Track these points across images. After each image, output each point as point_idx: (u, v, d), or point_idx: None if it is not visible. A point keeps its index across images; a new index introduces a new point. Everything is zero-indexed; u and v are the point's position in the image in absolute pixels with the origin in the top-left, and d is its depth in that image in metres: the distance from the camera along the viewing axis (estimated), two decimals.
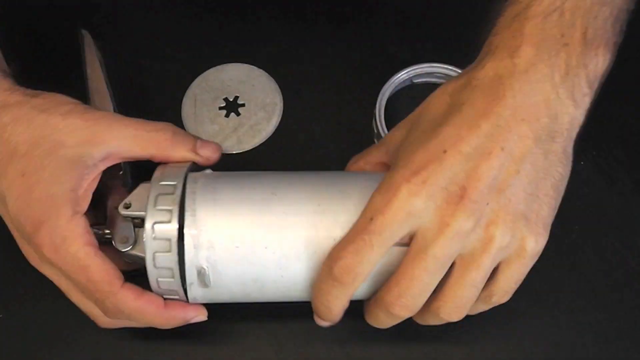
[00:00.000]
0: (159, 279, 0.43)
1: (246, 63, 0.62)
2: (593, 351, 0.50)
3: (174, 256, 0.42)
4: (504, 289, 0.42)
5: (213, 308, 0.52)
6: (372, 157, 0.47)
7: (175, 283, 0.43)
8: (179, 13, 0.65)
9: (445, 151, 0.38)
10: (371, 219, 0.38)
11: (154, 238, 0.42)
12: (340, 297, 0.41)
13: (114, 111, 0.52)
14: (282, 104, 0.60)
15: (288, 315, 0.52)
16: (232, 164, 0.58)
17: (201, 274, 0.42)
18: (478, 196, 0.38)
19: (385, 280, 0.41)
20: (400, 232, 0.39)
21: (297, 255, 0.42)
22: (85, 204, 0.43)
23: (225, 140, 0.59)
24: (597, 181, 0.56)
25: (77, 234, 0.42)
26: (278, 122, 0.59)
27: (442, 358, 0.50)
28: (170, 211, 0.42)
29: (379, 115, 0.56)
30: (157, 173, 0.45)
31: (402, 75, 0.59)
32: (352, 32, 0.63)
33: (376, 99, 0.57)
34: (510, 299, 0.52)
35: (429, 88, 0.60)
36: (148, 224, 0.42)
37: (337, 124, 0.59)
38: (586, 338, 0.51)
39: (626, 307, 0.52)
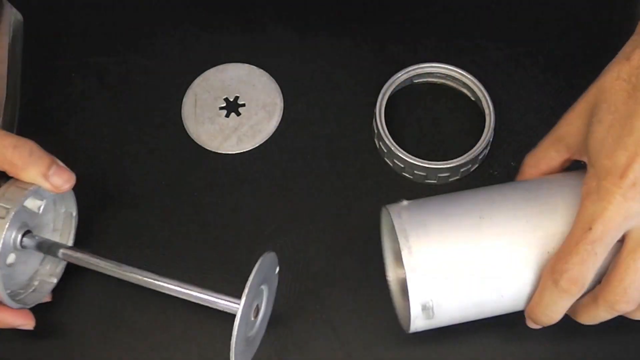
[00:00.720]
0: None
1: (247, 63, 0.62)
2: (593, 351, 0.50)
3: None
4: None
5: (210, 310, 0.52)
6: (553, 158, 0.46)
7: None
8: (179, 13, 0.65)
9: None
10: (590, 228, 0.39)
11: None
12: (565, 306, 0.42)
13: (5, 96, 0.52)
14: (282, 104, 0.60)
15: (288, 315, 0.52)
16: (232, 164, 0.58)
17: (426, 309, 0.43)
18: None
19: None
20: (618, 235, 0.40)
21: (515, 275, 0.43)
22: None
23: (225, 140, 0.59)
24: None
25: None
26: (278, 122, 0.59)
27: (442, 358, 0.50)
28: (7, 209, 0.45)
29: (379, 115, 0.56)
30: (1, 190, 0.46)
31: (402, 75, 0.59)
32: (353, 32, 0.63)
33: (376, 99, 0.57)
34: None
35: (429, 88, 0.60)
36: None
37: (337, 124, 0.59)
38: (586, 338, 0.51)
39: None
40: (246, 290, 0.44)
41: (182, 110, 0.60)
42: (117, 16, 0.66)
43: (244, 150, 0.59)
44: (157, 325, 0.52)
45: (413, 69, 0.59)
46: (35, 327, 0.52)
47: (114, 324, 0.52)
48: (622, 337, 0.51)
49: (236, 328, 0.43)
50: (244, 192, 0.57)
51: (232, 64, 0.62)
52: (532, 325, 0.46)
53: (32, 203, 0.49)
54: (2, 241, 0.45)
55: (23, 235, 0.48)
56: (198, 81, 0.61)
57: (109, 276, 0.53)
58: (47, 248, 0.49)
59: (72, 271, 0.54)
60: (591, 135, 0.41)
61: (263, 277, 0.46)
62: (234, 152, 0.59)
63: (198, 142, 0.59)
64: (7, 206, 0.45)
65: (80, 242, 0.53)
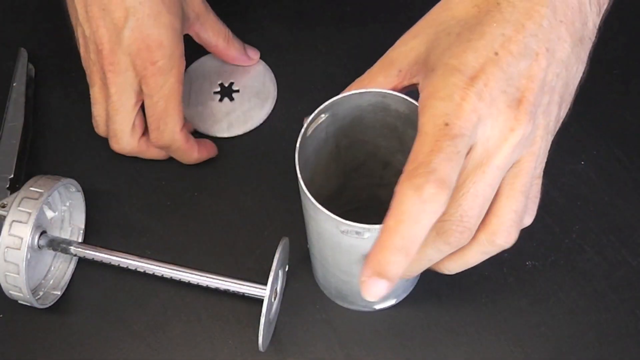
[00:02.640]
0: (7, 274, 0.48)
1: None
2: (593, 351, 0.50)
3: (22, 253, 0.47)
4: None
5: (212, 307, 0.52)
6: (381, 83, 0.41)
7: (20, 279, 0.48)
8: None
9: (496, 53, 0.35)
10: (447, 124, 0.34)
11: (9, 234, 0.47)
12: (428, 225, 0.34)
13: (22, 124, 0.58)
14: (276, 94, 0.60)
15: (289, 314, 0.52)
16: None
17: None
18: (534, 99, 0.35)
19: None
20: (470, 142, 0.35)
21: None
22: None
23: (215, 123, 0.59)
24: (597, 181, 0.56)
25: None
26: (270, 111, 0.60)
27: (442, 358, 0.50)
28: (29, 214, 0.47)
29: None
30: (30, 181, 0.50)
31: None
32: (352, 32, 0.63)
33: None
34: (510, 298, 0.52)
35: None
36: (7, 221, 0.48)
37: None
38: (587, 338, 0.51)
39: (626, 307, 0.52)
40: (271, 277, 0.46)
41: None
42: None
43: (234, 135, 0.59)
44: (157, 325, 0.52)
45: None
46: (36, 327, 0.52)
47: (114, 324, 0.52)
48: (622, 338, 0.51)
49: (264, 311, 0.45)
50: (245, 189, 0.57)
51: None
52: (378, 286, 0.34)
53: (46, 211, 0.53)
54: (27, 243, 0.48)
55: (39, 236, 0.50)
56: (195, 66, 0.62)
57: (109, 276, 0.53)
58: (60, 245, 0.51)
59: (72, 272, 0.54)
60: (436, 45, 0.38)
61: (281, 262, 0.48)
62: (223, 137, 0.59)
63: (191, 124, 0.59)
64: (29, 210, 0.48)
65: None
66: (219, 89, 0.61)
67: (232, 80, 0.61)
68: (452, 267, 0.40)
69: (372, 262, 0.34)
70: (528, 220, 0.39)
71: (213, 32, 0.58)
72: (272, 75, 0.61)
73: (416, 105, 0.42)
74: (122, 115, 0.53)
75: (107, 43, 0.50)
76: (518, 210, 0.37)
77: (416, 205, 0.33)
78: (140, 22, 0.50)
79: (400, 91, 0.40)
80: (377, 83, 0.41)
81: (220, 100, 0.60)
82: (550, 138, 0.38)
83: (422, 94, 0.36)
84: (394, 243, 0.34)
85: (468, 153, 0.35)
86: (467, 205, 0.35)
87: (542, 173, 0.39)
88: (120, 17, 0.49)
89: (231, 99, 0.60)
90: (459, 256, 0.39)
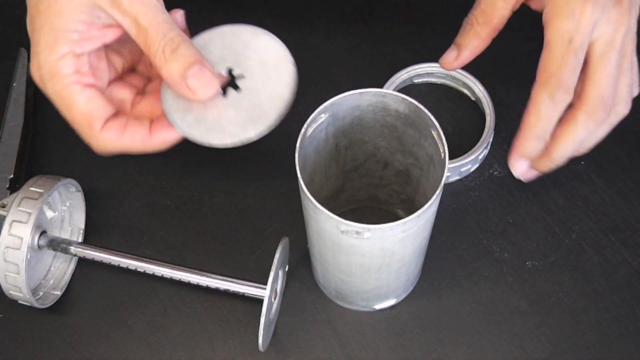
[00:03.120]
0: (7, 274, 0.48)
1: None
2: (594, 351, 0.50)
3: (22, 253, 0.47)
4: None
5: (212, 306, 0.52)
6: (502, 8, 0.48)
7: (20, 279, 0.48)
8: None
9: None
10: (570, 41, 0.43)
11: (9, 234, 0.47)
12: (557, 117, 0.45)
13: (22, 124, 0.57)
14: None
15: (289, 314, 0.52)
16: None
17: None
18: (629, 1, 0.45)
19: None
20: (589, 41, 0.44)
21: None
22: (85, 48, 0.43)
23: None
24: (597, 181, 0.56)
25: (65, 73, 0.43)
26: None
27: (442, 358, 0.50)
28: (29, 214, 0.47)
29: None
30: (30, 181, 0.49)
31: (402, 75, 0.59)
32: (352, 32, 0.63)
33: None
34: (510, 298, 0.52)
35: (429, 88, 0.60)
36: (7, 221, 0.47)
37: None
38: (587, 338, 0.51)
39: (627, 307, 0.52)
40: (271, 277, 0.46)
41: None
42: None
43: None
44: (157, 325, 0.52)
45: (413, 69, 0.59)
46: (36, 327, 0.52)
47: (114, 324, 0.52)
48: (622, 338, 0.51)
49: (264, 311, 0.45)
50: (245, 189, 0.57)
51: None
52: (522, 165, 0.47)
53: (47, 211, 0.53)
54: (27, 243, 0.47)
55: (39, 236, 0.50)
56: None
57: (109, 276, 0.53)
58: (60, 245, 0.51)
59: (72, 272, 0.54)
60: None
61: (281, 262, 0.48)
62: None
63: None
64: (29, 210, 0.48)
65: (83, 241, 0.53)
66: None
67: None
68: (589, 144, 0.47)
69: (518, 148, 0.46)
70: (636, 91, 0.48)
71: None
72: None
73: (415, 105, 0.42)
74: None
75: (38, 50, 0.44)
76: (629, 83, 0.46)
77: (550, 107, 0.44)
78: None
79: (516, 9, 0.48)
80: (500, 13, 0.48)
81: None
82: (637, 24, 0.47)
83: (545, 10, 0.45)
84: (534, 133, 0.45)
85: (590, 46, 0.44)
86: (604, 85, 0.45)
87: (636, 49, 0.46)
88: None
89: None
90: (594, 132, 0.47)
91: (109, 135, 0.44)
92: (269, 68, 0.44)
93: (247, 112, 0.43)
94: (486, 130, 0.56)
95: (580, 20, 0.43)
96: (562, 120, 0.45)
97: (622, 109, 0.46)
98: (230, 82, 0.44)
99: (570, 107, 0.45)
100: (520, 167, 0.47)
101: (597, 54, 0.45)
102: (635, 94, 0.48)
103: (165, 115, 0.43)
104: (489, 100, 0.57)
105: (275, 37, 0.45)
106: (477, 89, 0.57)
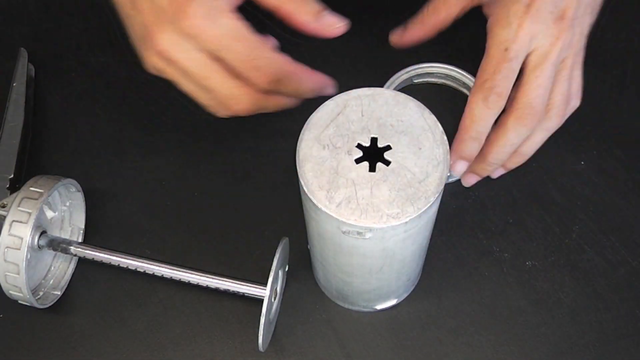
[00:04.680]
0: (7, 274, 0.48)
1: None
2: (594, 351, 0.50)
3: (22, 253, 0.47)
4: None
5: (212, 307, 0.52)
6: (453, 5, 0.54)
7: (20, 279, 0.48)
8: None
9: None
10: (506, 49, 0.47)
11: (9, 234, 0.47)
12: (491, 121, 0.48)
13: (22, 124, 0.57)
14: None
15: (289, 314, 0.52)
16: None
17: None
18: (573, 14, 0.47)
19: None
20: (526, 53, 0.47)
21: None
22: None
23: None
24: (597, 181, 0.56)
25: (230, 8, 0.44)
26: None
27: (442, 358, 0.50)
28: (29, 214, 0.47)
29: None
30: (30, 181, 0.49)
31: (402, 75, 0.59)
32: (352, 32, 0.63)
33: None
34: (510, 298, 0.52)
35: (429, 88, 0.60)
36: (7, 221, 0.47)
37: None
38: (587, 338, 0.51)
39: (627, 307, 0.52)
40: (271, 277, 0.46)
41: None
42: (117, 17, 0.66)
43: None
44: (157, 325, 0.52)
45: (413, 69, 0.59)
46: (36, 327, 0.52)
47: (114, 324, 0.52)
48: (622, 338, 0.51)
49: (264, 311, 0.45)
50: (245, 189, 0.57)
51: None
52: (460, 165, 0.50)
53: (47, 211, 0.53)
54: (27, 243, 0.47)
55: (39, 236, 0.50)
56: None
57: (109, 276, 0.53)
58: (60, 245, 0.51)
59: (72, 272, 0.54)
60: None
61: (281, 262, 0.48)
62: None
63: None
64: (29, 210, 0.47)
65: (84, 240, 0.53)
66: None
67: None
68: (527, 150, 0.51)
69: (456, 150, 0.49)
70: (575, 102, 0.51)
71: None
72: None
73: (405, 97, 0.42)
74: (211, 76, 0.46)
75: (154, 29, 0.45)
76: (564, 94, 0.49)
77: (484, 110, 0.47)
78: None
79: (467, 10, 0.53)
80: (449, 8, 0.54)
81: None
82: (584, 39, 0.50)
83: (490, 19, 0.48)
84: (469, 134, 0.48)
85: (527, 57, 0.47)
86: (534, 93, 0.48)
87: (580, 64, 0.51)
88: None
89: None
90: (531, 139, 0.50)
91: (282, 55, 0.47)
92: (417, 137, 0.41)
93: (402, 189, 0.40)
94: None
95: (517, 31, 0.46)
96: (496, 125, 0.49)
97: (556, 118, 0.50)
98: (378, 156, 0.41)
99: (503, 112, 0.48)
100: (459, 168, 0.50)
101: (532, 64, 0.48)
102: (575, 105, 0.51)
103: (307, 195, 0.40)
104: None
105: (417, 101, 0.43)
106: None
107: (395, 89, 0.58)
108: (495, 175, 0.55)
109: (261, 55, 0.45)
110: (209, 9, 0.43)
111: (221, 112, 0.48)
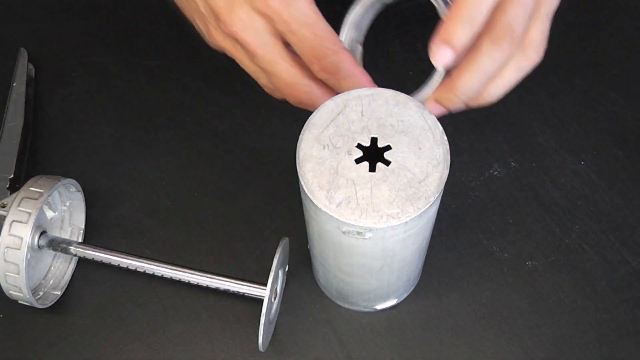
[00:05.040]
0: (7, 274, 0.48)
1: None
2: (594, 351, 0.50)
3: (22, 253, 0.47)
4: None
5: (212, 307, 0.52)
6: None
7: (20, 279, 0.48)
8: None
9: None
10: None
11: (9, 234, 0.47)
12: (490, 3, 0.42)
13: (22, 124, 0.57)
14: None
15: (289, 314, 0.52)
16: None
17: None
18: None
19: None
20: None
21: None
22: None
23: None
24: (597, 181, 0.56)
25: None
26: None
27: (442, 358, 0.50)
28: (29, 214, 0.47)
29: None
30: (30, 181, 0.49)
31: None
32: None
33: None
34: (510, 298, 0.52)
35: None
36: (7, 221, 0.47)
37: None
38: (587, 338, 0.51)
39: (627, 307, 0.52)
40: (271, 277, 0.46)
41: None
42: (117, 17, 0.66)
43: None
44: (157, 325, 0.52)
45: None
46: (36, 327, 0.52)
47: (114, 324, 0.52)
48: (622, 338, 0.51)
49: (264, 311, 0.45)
50: (245, 189, 0.57)
51: None
52: (444, 52, 0.42)
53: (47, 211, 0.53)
54: (27, 243, 0.47)
55: (39, 236, 0.50)
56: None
57: (109, 276, 0.53)
58: (60, 245, 0.51)
59: (72, 272, 0.54)
60: None
61: (281, 262, 0.48)
62: None
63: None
64: (29, 210, 0.47)
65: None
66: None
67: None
68: (495, 90, 0.46)
69: (442, 32, 0.42)
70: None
71: None
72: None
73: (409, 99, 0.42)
74: (277, 62, 0.46)
75: (223, 6, 0.45)
76: (543, 31, 0.44)
77: (465, 24, 0.41)
78: None
79: None
80: None
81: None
82: None
83: None
84: (462, 16, 0.41)
85: None
86: (515, 13, 0.42)
87: (551, 14, 0.45)
88: None
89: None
90: (503, 75, 0.45)
91: (349, 55, 0.45)
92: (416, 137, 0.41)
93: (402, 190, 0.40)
94: None
95: None
96: (468, 50, 0.43)
97: (533, 55, 0.44)
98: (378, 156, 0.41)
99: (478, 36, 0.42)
100: (442, 56, 0.42)
101: None
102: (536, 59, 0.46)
103: (307, 194, 0.40)
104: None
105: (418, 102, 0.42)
106: None
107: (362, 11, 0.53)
108: (455, 108, 0.47)
109: (328, 46, 0.44)
110: None
111: (276, 94, 0.49)
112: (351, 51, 0.50)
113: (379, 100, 0.42)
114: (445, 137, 0.41)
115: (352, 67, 0.45)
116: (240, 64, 0.47)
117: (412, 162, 0.40)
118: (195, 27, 0.49)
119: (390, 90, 0.43)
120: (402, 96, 0.42)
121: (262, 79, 0.48)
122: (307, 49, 0.45)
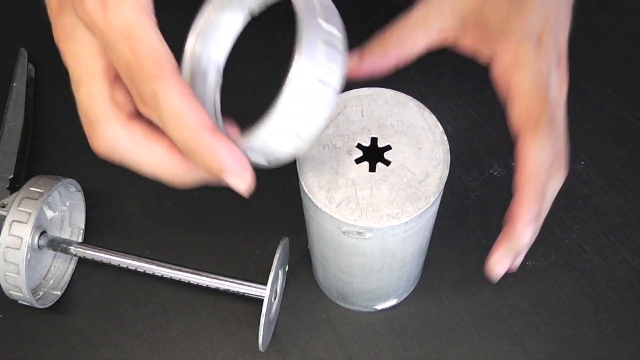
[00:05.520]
0: (7, 274, 0.47)
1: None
2: (594, 351, 0.50)
3: (22, 253, 0.47)
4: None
5: (212, 307, 0.52)
6: (420, 40, 0.42)
7: (20, 279, 0.47)
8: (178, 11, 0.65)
9: (547, 20, 0.41)
10: (542, 85, 0.40)
11: (9, 234, 0.47)
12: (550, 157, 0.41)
13: (22, 124, 0.57)
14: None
15: (288, 314, 0.52)
16: None
17: None
18: (566, 56, 0.42)
19: None
20: None
21: None
22: None
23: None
24: (597, 181, 0.56)
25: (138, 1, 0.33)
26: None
27: (442, 358, 0.50)
28: (29, 214, 0.47)
29: None
30: (30, 181, 0.49)
31: None
32: (353, 32, 0.63)
33: None
34: (510, 298, 0.52)
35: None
36: (7, 221, 0.47)
37: None
38: (587, 338, 0.51)
39: (627, 307, 0.52)
40: (271, 277, 0.46)
41: None
42: None
43: None
44: (157, 325, 0.52)
45: None
46: (36, 327, 0.52)
47: (114, 324, 0.52)
48: (622, 338, 0.51)
49: (264, 311, 0.45)
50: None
51: None
52: (509, 258, 0.43)
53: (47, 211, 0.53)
54: (27, 244, 0.47)
55: (39, 236, 0.50)
56: None
57: (109, 276, 0.53)
58: (60, 245, 0.51)
59: (72, 272, 0.54)
60: (488, 9, 0.41)
61: (281, 262, 0.48)
62: None
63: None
64: (29, 210, 0.47)
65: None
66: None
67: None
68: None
69: (514, 233, 0.42)
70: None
71: None
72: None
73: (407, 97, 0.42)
74: (91, 93, 0.37)
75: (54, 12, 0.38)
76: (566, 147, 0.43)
77: (545, 144, 0.40)
78: None
79: (433, 49, 0.43)
80: (416, 39, 0.42)
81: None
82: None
83: (499, 59, 0.40)
84: (536, 192, 0.41)
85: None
86: (561, 132, 0.41)
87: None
88: None
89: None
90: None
91: (177, 83, 0.33)
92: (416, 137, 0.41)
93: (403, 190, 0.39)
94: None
95: (541, 68, 0.40)
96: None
97: (563, 171, 0.43)
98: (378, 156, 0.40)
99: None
100: (505, 265, 0.42)
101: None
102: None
103: (307, 194, 0.40)
104: None
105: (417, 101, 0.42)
106: None
107: None
108: (516, 264, 0.45)
109: (147, 67, 0.33)
110: None
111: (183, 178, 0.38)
112: (196, 79, 0.39)
113: (379, 100, 0.42)
114: (445, 137, 0.41)
115: (177, 100, 0.32)
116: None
117: (412, 162, 0.40)
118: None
119: (390, 90, 0.43)
120: (402, 96, 0.42)
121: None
122: (123, 69, 0.34)
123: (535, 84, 0.40)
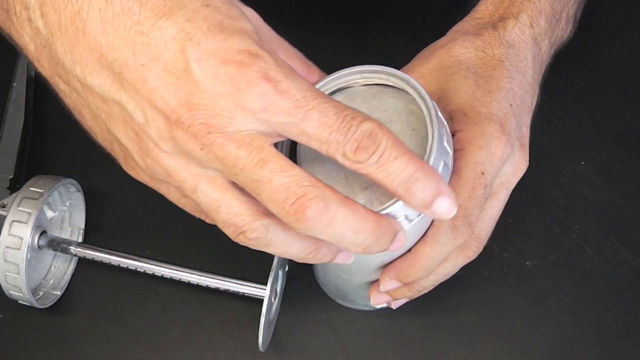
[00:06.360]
0: (7, 274, 0.48)
1: None
2: (594, 351, 0.50)
3: (22, 253, 0.47)
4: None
5: (212, 307, 0.52)
6: None
7: (20, 279, 0.48)
8: None
9: (511, 105, 0.43)
10: (482, 173, 0.41)
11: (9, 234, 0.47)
12: (448, 251, 0.42)
13: (22, 124, 0.57)
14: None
15: (288, 314, 0.52)
16: None
17: None
18: (527, 142, 0.45)
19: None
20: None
21: None
22: None
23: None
24: (597, 181, 0.56)
25: None
26: None
27: (442, 358, 0.50)
28: (29, 214, 0.47)
29: None
30: (30, 181, 0.49)
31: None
32: (353, 32, 0.63)
33: None
34: (510, 298, 0.52)
35: None
36: (7, 221, 0.47)
37: None
38: (587, 338, 0.51)
39: (627, 307, 0.52)
40: (271, 277, 0.46)
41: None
42: None
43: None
44: (157, 325, 0.52)
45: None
46: (36, 327, 0.52)
47: (114, 324, 0.52)
48: (622, 338, 0.51)
49: (264, 311, 0.45)
50: None
51: None
52: (392, 284, 0.44)
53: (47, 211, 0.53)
54: (27, 243, 0.47)
55: (39, 236, 0.50)
56: None
57: (109, 276, 0.53)
58: (60, 245, 0.51)
59: (72, 272, 0.54)
60: (458, 88, 0.43)
61: (281, 262, 0.48)
62: None
63: None
64: (29, 210, 0.48)
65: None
66: None
67: None
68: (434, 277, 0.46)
69: (398, 270, 0.43)
70: None
71: (283, 52, 0.42)
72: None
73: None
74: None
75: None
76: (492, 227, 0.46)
77: (450, 241, 0.41)
78: None
79: None
80: None
81: None
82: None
83: (459, 134, 0.42)
84: (423, 265, 0.42)
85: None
86: (485, 225, 0.44)
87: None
88: None
89: None
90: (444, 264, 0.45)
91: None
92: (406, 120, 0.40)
93: None
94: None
95: (494, 153, 0.41)
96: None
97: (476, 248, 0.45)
98: None
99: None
100: (389, 286, 0.44)
101: (491, 191, 0.43)
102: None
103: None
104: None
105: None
106: None
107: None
108: (397, 304, 0.48)
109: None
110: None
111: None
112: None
113: (355, 99, 0.41)
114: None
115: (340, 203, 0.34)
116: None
117: (411, 146, 0.39)
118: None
119: (362, 86, 0.41)
120: (374, 88, 0.41)
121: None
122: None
123: (474, 169, 0.41)
